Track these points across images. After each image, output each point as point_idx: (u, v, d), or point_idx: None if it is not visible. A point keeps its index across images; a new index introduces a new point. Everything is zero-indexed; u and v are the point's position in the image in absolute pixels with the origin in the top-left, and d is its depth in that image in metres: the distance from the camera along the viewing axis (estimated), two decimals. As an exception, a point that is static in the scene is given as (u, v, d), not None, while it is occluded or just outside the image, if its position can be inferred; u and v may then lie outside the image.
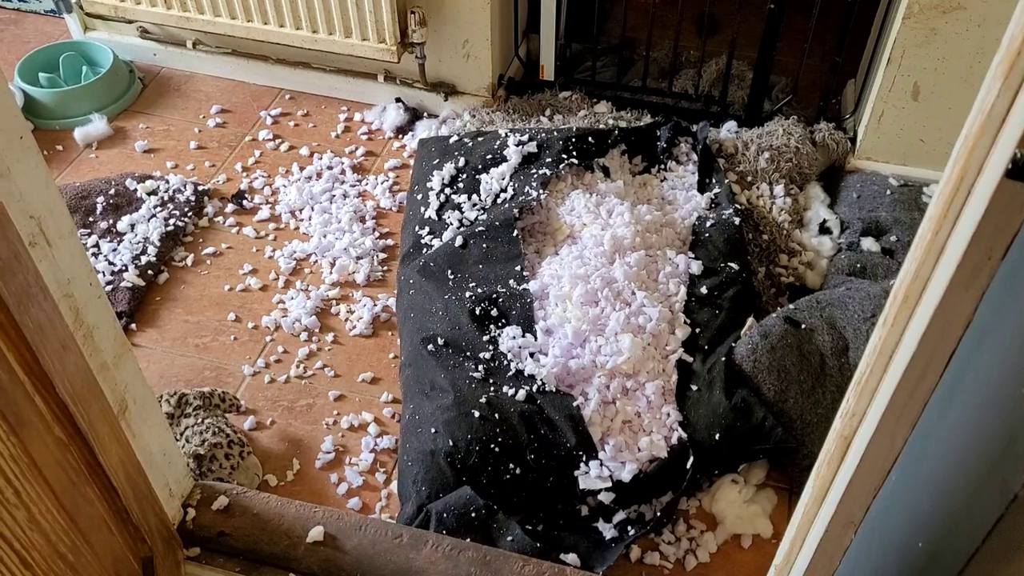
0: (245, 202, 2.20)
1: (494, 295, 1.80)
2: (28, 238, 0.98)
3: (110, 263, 2.01)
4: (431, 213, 2.03)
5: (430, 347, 1.74)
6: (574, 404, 1.63)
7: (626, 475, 1.56)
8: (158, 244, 2.06)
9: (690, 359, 1.74)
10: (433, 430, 1.60)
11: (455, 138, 2.19)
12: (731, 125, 2.27)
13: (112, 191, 2.16)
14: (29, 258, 0.97)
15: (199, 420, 1.63)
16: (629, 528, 1.57)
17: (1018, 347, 0.61)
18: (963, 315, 0.69)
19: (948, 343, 0.71)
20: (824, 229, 2.07)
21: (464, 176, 2.08)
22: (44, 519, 0.98)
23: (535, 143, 2.09)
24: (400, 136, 2.39)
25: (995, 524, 0.61)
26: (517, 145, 2.09)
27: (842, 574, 0.91)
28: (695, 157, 2.16)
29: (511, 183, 2.03)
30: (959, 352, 0.69)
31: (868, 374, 0.82)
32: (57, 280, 1.04)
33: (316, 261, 2.07)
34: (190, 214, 2.15)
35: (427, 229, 2.01)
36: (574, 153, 2.07)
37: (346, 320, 1.95)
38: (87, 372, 1.10)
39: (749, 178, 2.14)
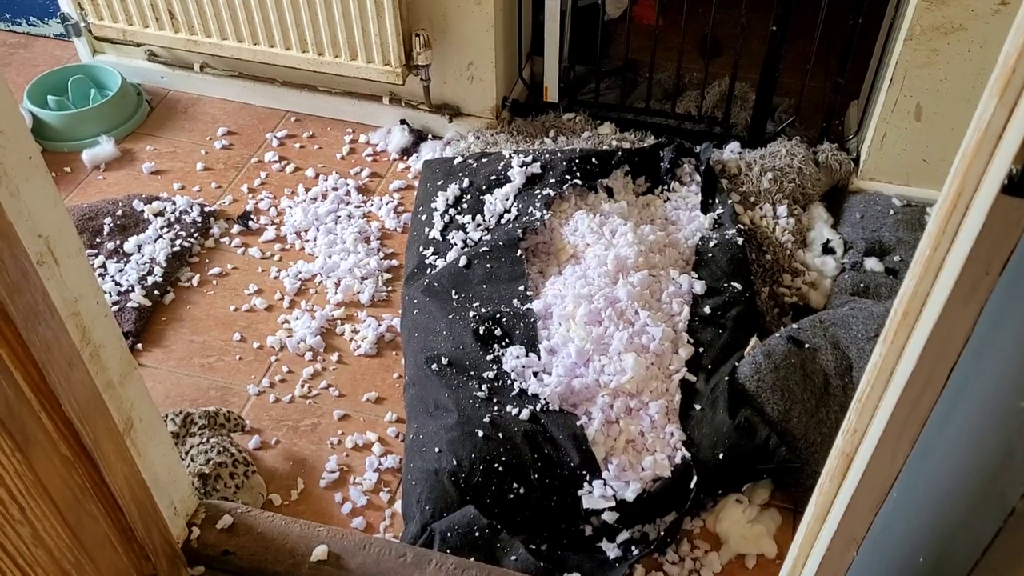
0: (251, 223, 2.22)
1: (498, 315, 1.81)
2: (36, 257, 0.99)
3: (117, 284, 2.03)
4: (435, 233, 2.05)
5: (434, 367, 1.74)
6: (577, 423, 1.63)
7: (630, 495, 1.56)
8: (164, 265, 2.07)
9: (693, 379, 1.74)
10: (437, 449, 1.60)
11: (459, 159, 2.20)
12: (734, 146, 2.29)
13: (119, 212, 2.18)
14: (37, 276, 0.98)
15: (204, 439, 1.64)
16: (633, 548, 1.56)
17: (1016, 361, 0.61)
18: (962, 330, 0.69)
19: (948, 358, 0.71)
20: (827, 249, 2.07)
21: (468, 197, 2.10)
22: (48, 536, 0.98)
23: (539, 164, 2.10)
24: (405, 157, 2.41)
25: (994, 537, 0.61)
26: (521, 166, 2.10)
27: (845, 591, 0.91)
28: (698, 178, 2.17)
29: (515, 204, 2.04)
30: (959, 367, 0.70)
31: (869, 391, 0.82)
32: (64, 298, 1.05)
33: (321, 281, 2.08)
34: (196, 235, 2.17)
35: (431, 249, 2.02)
36: (578, 174, 2.08)
37: (351, 340, 1.96)
38: (93, 390, 1.10)
39: (752, 199, 2.15)
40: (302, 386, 1.87)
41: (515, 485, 1.57)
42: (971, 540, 0.64)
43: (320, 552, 1.42)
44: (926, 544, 0.73)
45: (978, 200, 0.66)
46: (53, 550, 1.00)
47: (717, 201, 2.09)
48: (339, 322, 2.00)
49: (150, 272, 2.06)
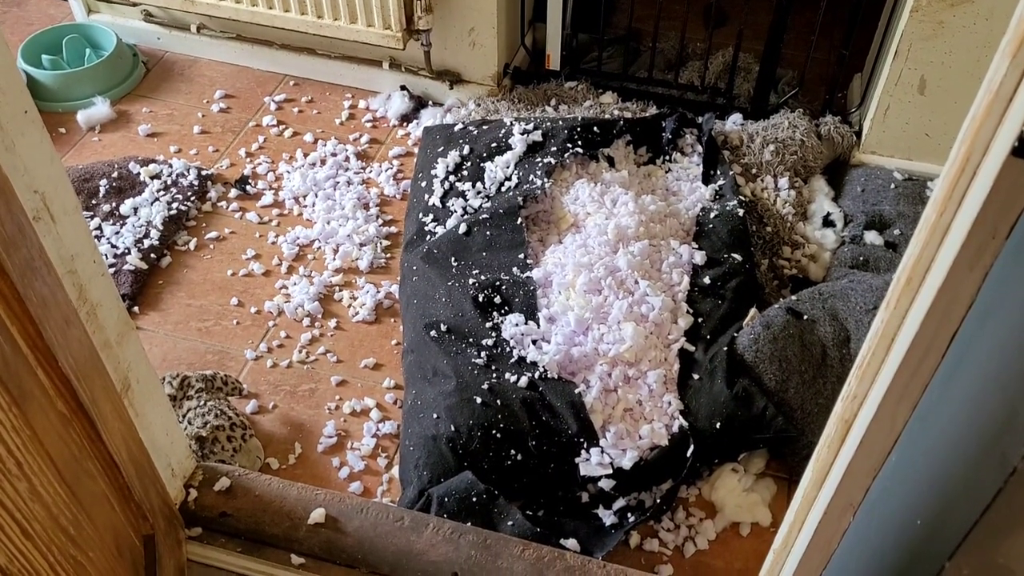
0: (248, 187, 2.20)
1: (497, 282, 1.80)
2: (32, 212, 0.98)
3: (113, 246, 2.02)
4: (435, 200, 2.04)
5: (433, 333, 1.74)
6: (576, 391, 1.63)
7: (626, 462, 1.57)
8: (161, 228, 2.06)
9: (692, 348, 1.74)
10: (435, 415, 1.60)
11: (460, 126, 2.19)
12: (736, 117, 2.27)
13: (115, 174, 2.16)
14: (33, 232, 0.97)
15: (201, 403, 1.64)
16: (629, 515, 1.57)
17: (1022, 325, 0.61)
18: (966, 295, 0.69)
19: (951, 324, 0.71)
20: (828, 222, 2.07)
21: (468, 164, 2.08)
22: (46, 491, 0.98)
23: (540, 132, 2.09)
24: (404, 124, 2.39)
25: (993, 498, 0.61)
26: (522, 134, 2.08)
27: (840, 555, 0.92)
28: (700, 149, 2.16)
29: (516, 171, 2.03)
30: (962, 332, 0.69)
31: (870, 357, 0.82)
32: (61, 256, 1.04)
33: (319, 247, 2.07)
34: (193, 198, 2.15)
35: (431, 216, 2.01)
36: (579, 143, 2.07)
37: (349, 306, 1.95)
38: (90, 349, 1.10)
39: (754, 170, 2.14)
40: (300, 351, 1.86)
41: (513, 452, 1.57)
42: (970, 501, 0.64)
43: (318, 515, 1.42)
44: (924, 506, 0.73)
45: (987, 163, 0.66)
46: (51, 506, 1.00)
47: (718, 172, 2.09)
48: (337, 288, 1.99)
49: (146, 235, 2.05)
